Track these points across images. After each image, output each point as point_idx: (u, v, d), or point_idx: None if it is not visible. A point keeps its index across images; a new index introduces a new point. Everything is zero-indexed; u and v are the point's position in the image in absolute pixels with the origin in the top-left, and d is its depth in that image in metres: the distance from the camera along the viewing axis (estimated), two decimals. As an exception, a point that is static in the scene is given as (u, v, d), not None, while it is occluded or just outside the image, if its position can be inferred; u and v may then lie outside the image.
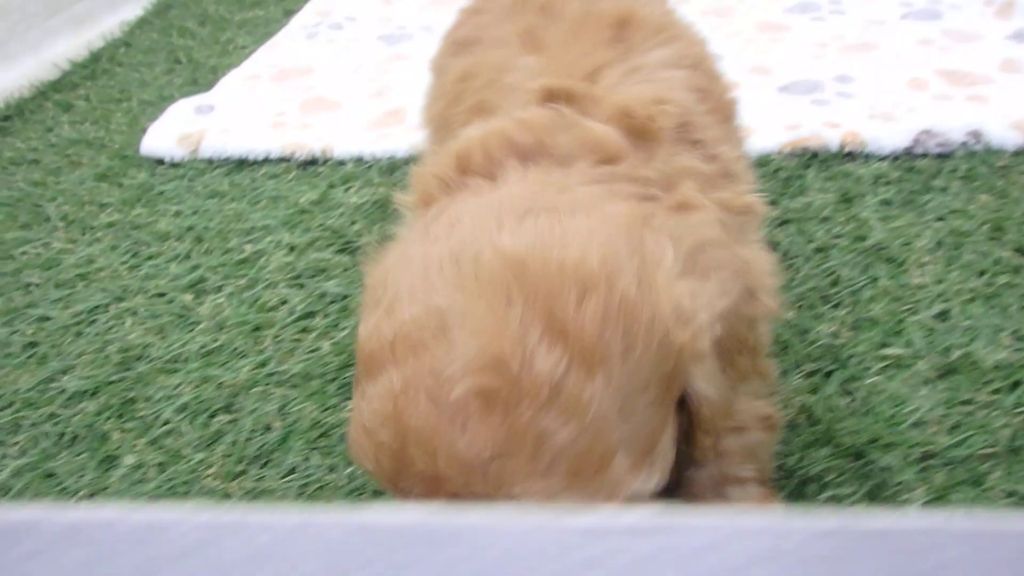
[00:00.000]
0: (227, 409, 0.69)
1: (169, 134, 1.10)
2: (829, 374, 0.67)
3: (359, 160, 1.03)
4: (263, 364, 0.73)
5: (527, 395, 0.29)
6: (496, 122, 0.41)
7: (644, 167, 0.40)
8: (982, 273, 0.75)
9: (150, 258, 0.90)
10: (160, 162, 1.09)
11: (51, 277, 0.89)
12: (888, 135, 0.91)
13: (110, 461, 0.66)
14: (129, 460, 0.66)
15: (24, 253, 0.94)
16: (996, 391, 0.64)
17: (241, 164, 1.06)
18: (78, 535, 0.16)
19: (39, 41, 1.41)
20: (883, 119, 0.94)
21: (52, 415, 0.71)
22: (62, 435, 0.69)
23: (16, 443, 0.69)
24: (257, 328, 0.78)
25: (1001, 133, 0.90)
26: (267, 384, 0.71)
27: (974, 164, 0.89)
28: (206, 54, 1.41)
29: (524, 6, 0.51)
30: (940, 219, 0.82)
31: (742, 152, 0.51)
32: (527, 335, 0.29)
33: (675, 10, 0.59)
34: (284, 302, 0.81)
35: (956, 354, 0.67)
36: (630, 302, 0.31)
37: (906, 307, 0.73)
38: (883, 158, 0.92)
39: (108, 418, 0.70)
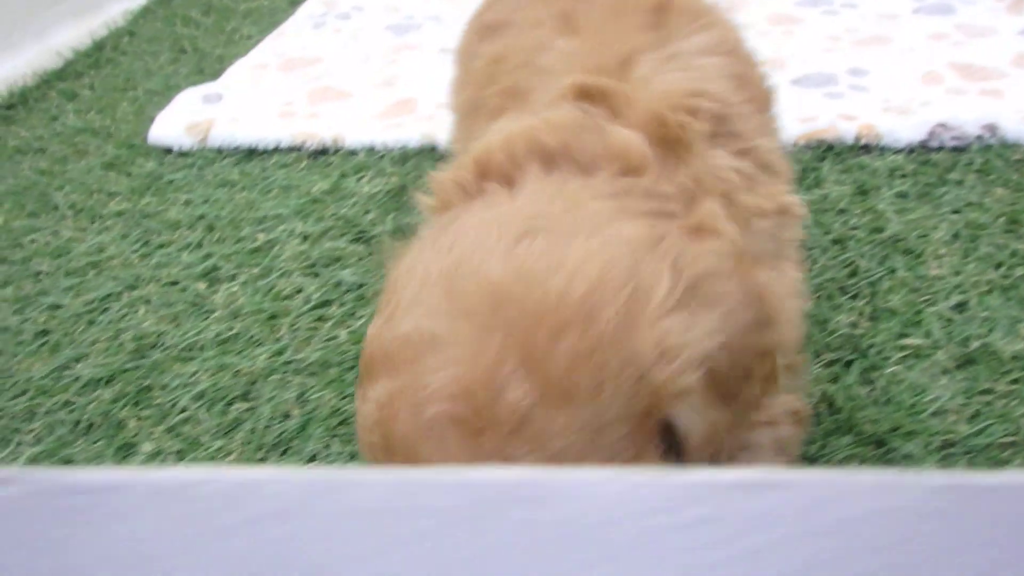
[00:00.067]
0: (245, 397, 0.69)
1: (177, 123, 1.10)
2: (849, 363, 0.67)
3: (371, 150, 1.02)
4: (280, 352, 0.73)
5: (494, 423, 0.30)
6: (524, 120, 0.41)
7: (666, 181, 0.39)
8: (999, 265, 0.75)
9: (161, 247, 0.90)
10: (168, 151, 1.08)
11: (61, 265, 0.88)
12: (903, 128, 0.91)
13: (127, 449, 0.65)
14: (147, 448, 0.65)
15: (33, 241, 0.93)
16: (1015, 381, 0.64)
17: (251, 153, 1.05)
18: (170, 494, 0.16)
19: (42, 29, 1.40)
20: (898, 112, 0.94)
21: (67, 403, 0.70)
22: (78, 423, 0.68)
23: (31, 430, 0.68)
24: (273, 316, 0.77)
25: (1016, 127, 0.90)
26: (284, 372, 0.71)
27: (989, 158, 0.89)
28: (211, 43, 1.40)
29: None
30: (956, 212, 0.83)
31: (779, 143, 0.50)
32: (501, 365, 0.31)
33: None
34: (299, 291, 0.80)
35: (974, 344, 0.67)
36: (606, 340, 0.31)
37: (924, 298, 0.73)
38: (898, 151, 0.92)
39: (124, 406, 0.69)
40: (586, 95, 0.41)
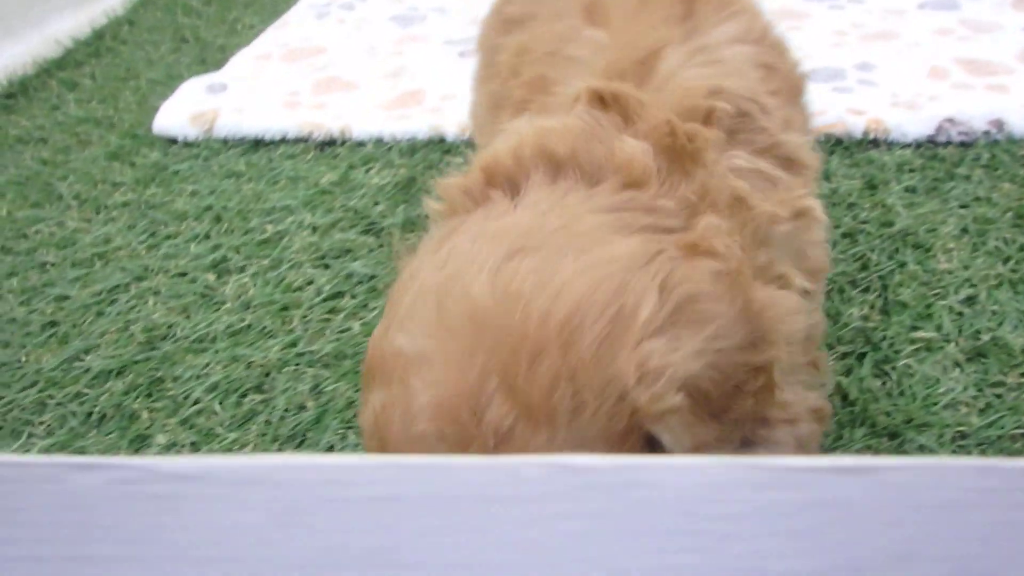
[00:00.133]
0: (258, 389, 0.69)
1: (181, 113, 1.09)
2: (862, 356, 0.67)
3: (379, 141, 1.02)
4: (293, 344, 0.72)
5: (475, 440, 0.32)
6: (537, 123, 0.41)
7: (668, 194, 0.39)
8: (1007, 260, 0.76)
9: (168, 238, 0.89)
10: (173, 141, 1.07)
11: (67, 256, 0.87)
12: (911, 123, 0.92)
13: (141, 440, 0.65)
14: (161, 439, 0.65)
15: (38, 232, 0.92)
16: (1026, 374, 0.65)
17: (257, 144, 1.05)
18: (259, 479, 0.16)
19: (42, 17, 1.38)
20: (906, 107, 0.95)
21: (78, 394, 0.70)
22: (90, 414, 0.68)
23: (43, 422, 0.68)
24: (284, 308, 0.77)
25: (1022, 123, 0.90)
26: (298, 364, 0.70)
27: (996, 153, 0.90)
28: (213, 33, 1.39)
29: None
30: (964, 206, 0.83)
31: (808, 136, 0.50)
32: (484, 385, 0.32)
33: None
34: (310, 282, 0.80)
35: (985, 338, 0.68)
36: (585, 364, 0.32)
37: (934, 292, 0.73)
38: (906, 146, 0.92)
39: (136, 397, 0.69)
40: (600, 101, 0.41)
